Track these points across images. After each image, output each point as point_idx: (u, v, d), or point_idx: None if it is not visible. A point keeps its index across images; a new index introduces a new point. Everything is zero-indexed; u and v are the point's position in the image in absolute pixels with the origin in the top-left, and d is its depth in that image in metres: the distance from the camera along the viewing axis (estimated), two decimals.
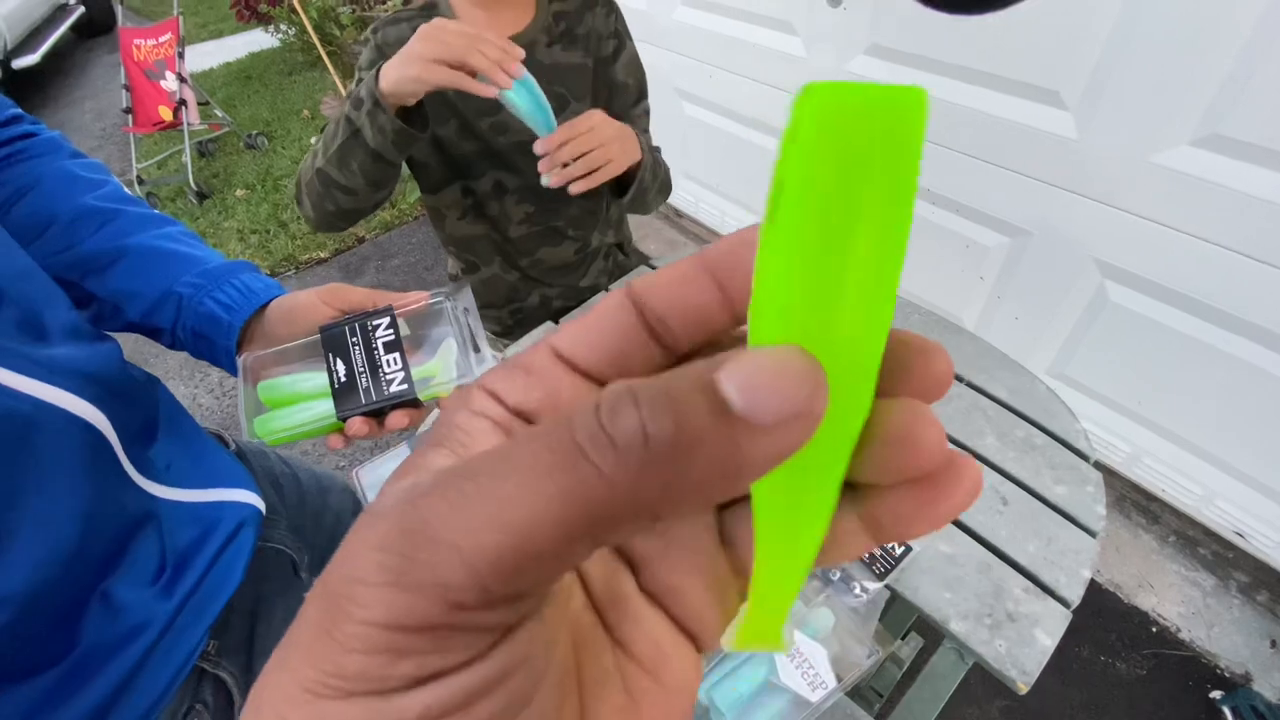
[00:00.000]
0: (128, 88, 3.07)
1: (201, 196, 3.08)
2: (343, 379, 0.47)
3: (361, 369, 0.47)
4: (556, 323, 1.09)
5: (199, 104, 3.20)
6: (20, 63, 4.11)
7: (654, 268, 1.11)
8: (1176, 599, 1.41)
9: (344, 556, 0.10)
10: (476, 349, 0.51)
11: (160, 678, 0.48)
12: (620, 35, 0.99)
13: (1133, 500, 1.52)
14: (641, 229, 2.55)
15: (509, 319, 1.16)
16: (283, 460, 0.75)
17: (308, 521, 0.72)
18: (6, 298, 0.44)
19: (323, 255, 2.72)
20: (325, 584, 0.11)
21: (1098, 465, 0.76)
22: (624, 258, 1.24)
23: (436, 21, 0.71)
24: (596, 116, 0.82)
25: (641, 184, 0.92)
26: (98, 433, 0.46)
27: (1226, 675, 1.30)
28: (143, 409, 0.55)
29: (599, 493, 0.09)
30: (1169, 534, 1.49)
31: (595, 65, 0.96)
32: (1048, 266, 1.39)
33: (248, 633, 0.58)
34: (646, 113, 1.06)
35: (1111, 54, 1.13)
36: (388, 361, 0.47)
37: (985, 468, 0.76)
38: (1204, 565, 1.44)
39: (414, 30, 0.85)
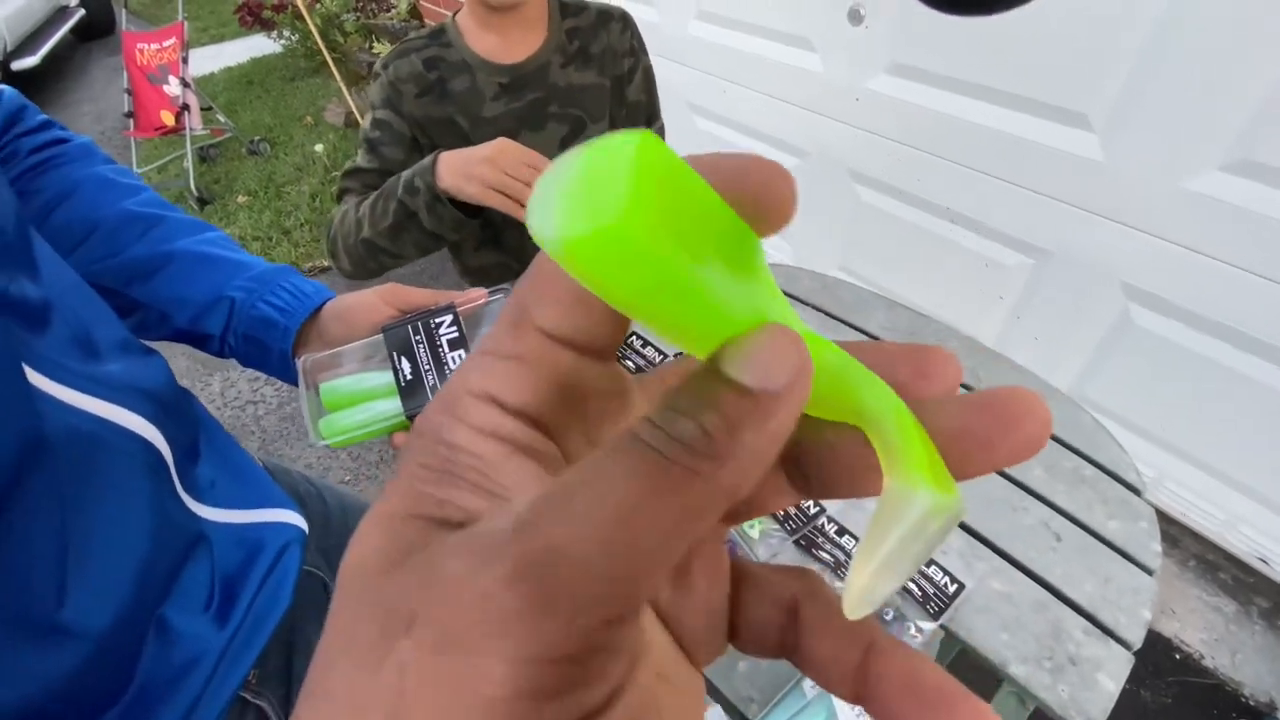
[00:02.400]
0: (130, 92, 3.04)
1: (203, 202, 3.04)
2: (409, 377, 0.47)
3: (427, 367, 0.47)
4: None
5: (201, 109, 3.17)
6: (20, 64, 4.07)
7: None
8: (1199, 625, 1.39)
9: (440, 608, 0.10)
10: None
11: (213, 710, 0.45)
12: (636, 52, 0.97)
13: None
14: None
15: None
16: (307, 479, 0.73)
17: (332, 542, 0.70)
18: (59, 313, 0.42)
19: (325, 264, 2.68)
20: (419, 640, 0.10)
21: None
22: None
23: (502, 145, 0.73)
24: None
25: None
26: (156, 451, 0.44)
27: (1251, 703, 1.28)
28: (189, 425, 0.53)
29: (690, 485, 0.10)
30: (1189, 559, 1.47)
31: (612, 84, 0.94)
32: (1070, 288, 1.39)
33: (285, 660, 0.56)
34: (662, 131, 1.04)
35: (1140, 76, 1.13)
36: (454, 359, 0.47)
37: (1035, 502, 0.74)
38: (1225, 590, 1.43)
39: (424, 62, 0.86)
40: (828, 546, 0.72)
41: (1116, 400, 1.43)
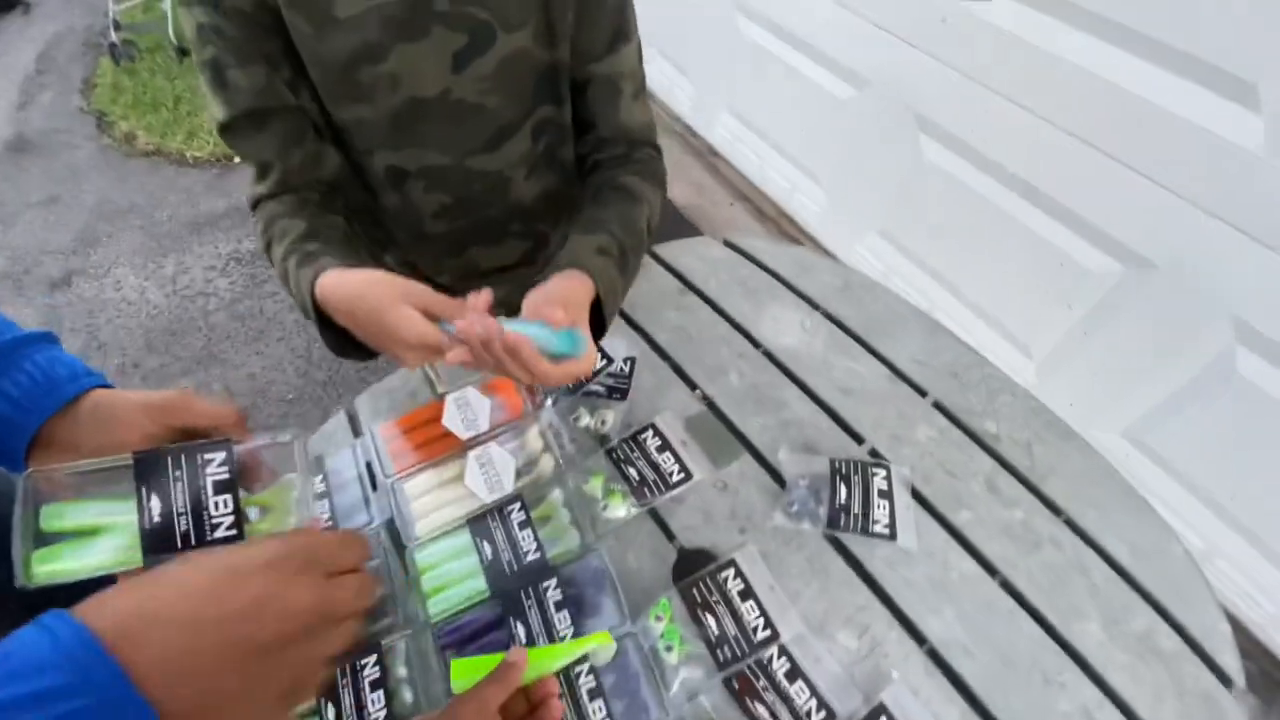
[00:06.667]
0: None
1: (183, 53, 2.72)
2: (156, 519, 0.40)
3: (182, 510, 0.40)
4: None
5: None
6: None
7: (695, 224, 0.80)
8: None
9: None
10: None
11: None
12: None
13: None
14: (667, 166, 2.19)
15: None
16: None
17: None
18: None
19: None
20: None
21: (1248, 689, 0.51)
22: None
23: (412, 330, 0.48)
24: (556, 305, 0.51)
25: (614, 308, 0.60)
26: None
27: None
28: None
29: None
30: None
31: None
32: (1165, 311, 1.09)
33: None
34: (633, 69, 0.67)
35: None
36: (216, 504, 0.40)
37: (1080, 675, 0.52)
38: (1247, 681, 1.23)
39: None
40: (770, 696, 0.51)
41: (1183, 453, 1.17)
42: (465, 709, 0.39)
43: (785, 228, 1.96)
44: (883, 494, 0.61)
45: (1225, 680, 0.52)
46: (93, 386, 0.45)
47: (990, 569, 0.57)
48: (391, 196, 0.69)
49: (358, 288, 0.50)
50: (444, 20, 0.56)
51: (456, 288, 0.83)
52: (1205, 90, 0.94)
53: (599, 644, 0.50)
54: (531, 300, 0.52)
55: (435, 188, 0.68)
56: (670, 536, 0.60)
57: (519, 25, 0.59)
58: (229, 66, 0.56)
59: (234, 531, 0.40)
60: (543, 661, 0.47)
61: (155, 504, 0.39)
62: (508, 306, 0.80)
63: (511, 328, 0.48)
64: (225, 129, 0.60)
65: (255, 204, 0.65)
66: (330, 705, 0.50)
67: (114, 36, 2.72)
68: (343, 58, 0.56)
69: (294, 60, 0.57)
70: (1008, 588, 0.57)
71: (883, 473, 0.62)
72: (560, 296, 0.52)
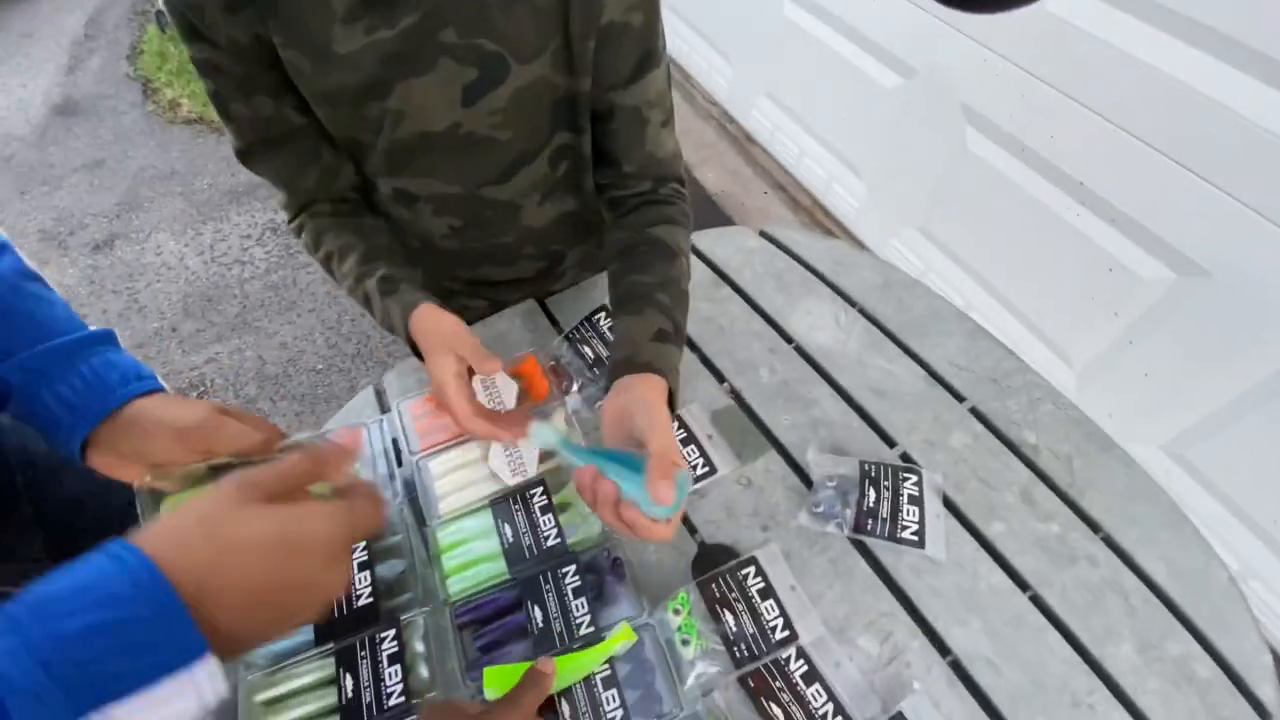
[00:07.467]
0: None
1: None
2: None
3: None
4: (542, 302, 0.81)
5: None
6: None
7: (724, 209, 0.76)
8: None
9: None
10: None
11: None
12: None
13: None
14: (703, 151, 2.16)
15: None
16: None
17: None
18: None
19: None
20: None
21: None
22: None
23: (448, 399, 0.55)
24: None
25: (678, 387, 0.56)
26: None
27: None
28: None
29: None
30: None
31: None
32: (1218, 323, 1.04)
33: None
34: (661, 94, 0.61)
35: None
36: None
37: (1110, 699, 0.50)
38: None
39: None
40: (785, 697, 0.50)
41: (1227, 473, 1.12)
42: (510, 716, 0.43)
43: (819, 218, 1.92)
44: (913, 500, 0.59)
45: (1263, 713, 0.50)
46: (141, 393, 0.47)
47: (1021, 583, 0.56)
48: (402, 212, 0.67)
49: (432, 329, 0.56)
50: (452, 53, 0.53)
51: (470, 293, 0.82)
52: (1275, 91, 0.89)
53: (622, 642, 0.51)
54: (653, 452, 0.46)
55: (445, 212, 0.66)
56: (692, 530, 0.60)
57: (534, 55, 0.55)
58: (233, 101, 0.55)
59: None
60: (571, 668, 0.49)
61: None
62: (525, 302, 0.79)
63: (616, 476, 0.44)
64: (242, 155, 0.60)
65: (293, 218, 0.65)
66: (349, 676, 0.51)
67: (160, 3, 2.76)
68: (345, 95, 0.54)
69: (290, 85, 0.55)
70: (1038, 603, 0.55)
71: (914, 478, 0.60)
72: (660, 442, 0.46)
